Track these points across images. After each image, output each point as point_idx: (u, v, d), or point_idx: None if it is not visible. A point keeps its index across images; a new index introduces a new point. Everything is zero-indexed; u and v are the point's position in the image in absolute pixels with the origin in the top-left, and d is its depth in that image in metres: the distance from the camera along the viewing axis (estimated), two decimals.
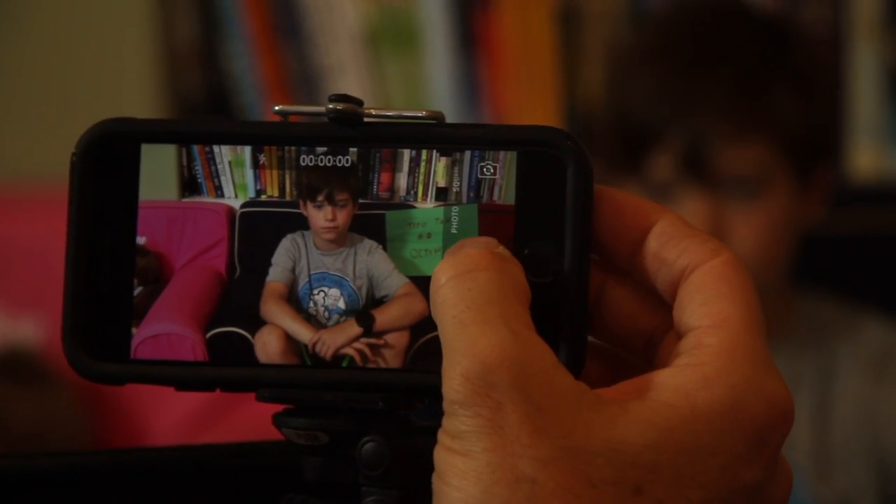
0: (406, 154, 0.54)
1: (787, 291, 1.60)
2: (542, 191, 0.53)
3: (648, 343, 0.54)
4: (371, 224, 0.54)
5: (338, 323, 0.55)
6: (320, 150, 0.55)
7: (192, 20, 2.06)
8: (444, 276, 0.50)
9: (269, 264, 0.55)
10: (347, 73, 2.03)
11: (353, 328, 0.54)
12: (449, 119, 0.54)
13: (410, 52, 2.02)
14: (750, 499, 0.50)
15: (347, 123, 0.54)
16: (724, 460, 0.49)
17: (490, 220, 0.54)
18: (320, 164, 0.55)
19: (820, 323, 1.59)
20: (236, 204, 0.55)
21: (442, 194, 0.54)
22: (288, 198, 0.55)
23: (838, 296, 1.63)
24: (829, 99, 1.84)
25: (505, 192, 0.54)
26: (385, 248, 0.54)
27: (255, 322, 0.55)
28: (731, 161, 1.49)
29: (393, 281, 0.54)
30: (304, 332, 0.55)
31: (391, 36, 2.02)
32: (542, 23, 2.00)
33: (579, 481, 0.48)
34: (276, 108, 0.55)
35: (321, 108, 0.54)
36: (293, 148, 0.55)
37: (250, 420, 1.54)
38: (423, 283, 0.54)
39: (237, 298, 0.55)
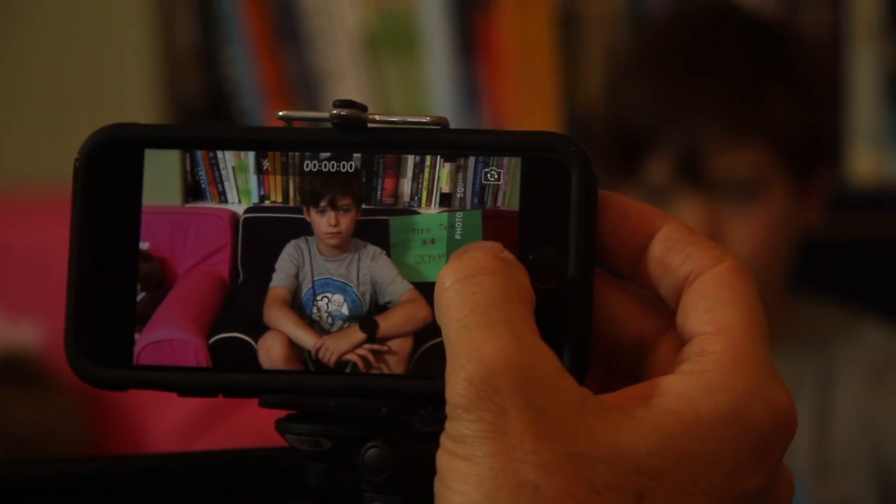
0: (410, 160, 0.54)
1: (787, 296, 1.60)
2: (547, 197, 0.53)
3: (634, 350, 0.54)
4: (375, 230, 0.54)
5: (341, 329, 0.54)
6: (324, 155, 0.55)
7: (192, 24, 2.06)
8: (448, 279, 0.50)
9: (272, 270, 0.55)
10: (347, 77, 2.03)
11: (357, 334, 0.54)
12: (449, 124, 0.54)
13: (410, 57, 2.02)
14: None
15: (351, 129, 0.54)
16: (727, 467, 0.49)
17: (494, 226, 0.54)
18: (324, 169, 0.55)
19: (819, 328, 1.59)
20: (240, 209, 0.55)
21: (446, 200, 0.54)
22: (291, 203, 0.55)
23: (838, 301, 1.63)
24: (827, 102, 1.84)
25: (509, 197, 0.54)
26: (389, 254, 0.54)
27: (259, 328, 0.55)
28: (726, 165, 1.49)
29: (396, 287, 0.54)
30: (307, 338, 0.54)
31: (391, 40, 2.02)
32: (541, 27, 2.00)
33: (582, 487, 0.48)
34: (280, 113, 0.55)
35: (325, 114, 0.54)
36: (297, 153, 0.55)
37: (249, 425, 1.54)
38: (426, 290, 0.54)
39: (240, 304, 0.55)
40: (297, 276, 0.55)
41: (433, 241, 0.54)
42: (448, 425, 0.49)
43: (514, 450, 0.48)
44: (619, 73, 1.65)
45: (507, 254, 0.52)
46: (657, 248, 0.53)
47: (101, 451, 1.84)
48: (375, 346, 0.54)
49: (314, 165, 0.55)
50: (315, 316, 0.55)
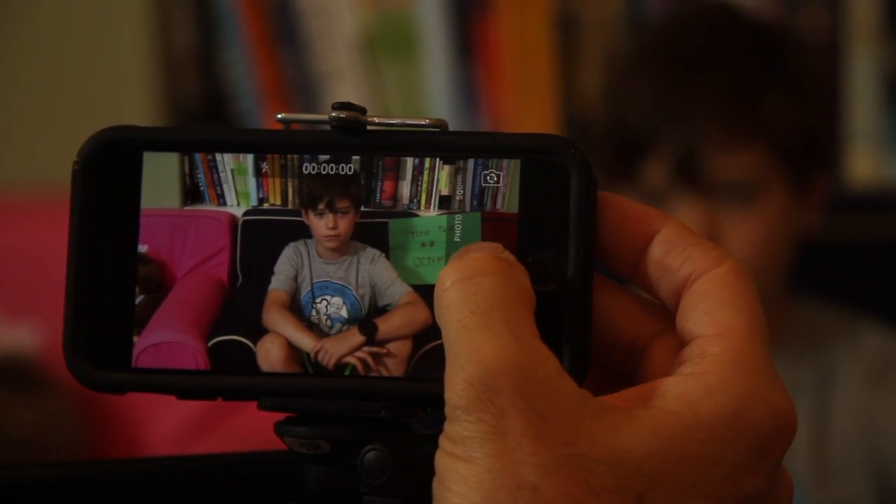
0: (409, 162, 0.54)
1: (786, 298, 1.60)
2: (546, 199, 0.53)
3: (629, 352, 0.54)
4: (374, 232, 0.54)
5: (340, 331, 0.54)
6: (323, 157, 0.55)
7: (190, 26, 2.06)
8: (448, 279, 0.50)
9: (271, 272, 0.55)
10: (345, 79, 2.03)
11: (356, 337, 0.54)
12: (448, 126, 0.54)
13: (408, 59, 2.02)
14: None
15: (350, 131, 0.54)
16: (727, 469, 0.49)
17: (493, 229, 0.54)
18: (322, 171, 0.55)
19: (818, 330, 1.59)
20: (239, 212, 0.55)
21: (445, 202, 0.54)
22: (290, 206, 0.55)
23: (837, 303, 1.63)
24: (825, 105, 1.85)
25: (508, 200, 0.54)
26: (388, 257, 0.54)
27: (258, 330, 0.55)
28: (724, 167, 1.49)
29: (396, 289, 0.54)
30: (306, 341, 0.54)
31: (389, 42, 2.02)
32: (540, 29, 2.00)
33: (581, 489, 0.48)
34: (279, 115, 0.55)
35: (324, 117, 0.54)
36: (296, 156, 0.55)
37: (247, 427, 1.54)
38: (425, 292, 0.53)
39: (239, 307, 0.55)
40: (296, 278, 0.55)
41: (432, 244, 0.54)
42: (447, 426, 0.49)
43: (513, 451, 0.48)
44: (617, 75, 1.65)
45: (507, 255, 0.52)
46: (657, 250, 0.53)
47: (99, 454, 1.84)
48: (374, 349, 0.54)
49: (313, 168, 0.55)
50: (314, 318, 0.55)
